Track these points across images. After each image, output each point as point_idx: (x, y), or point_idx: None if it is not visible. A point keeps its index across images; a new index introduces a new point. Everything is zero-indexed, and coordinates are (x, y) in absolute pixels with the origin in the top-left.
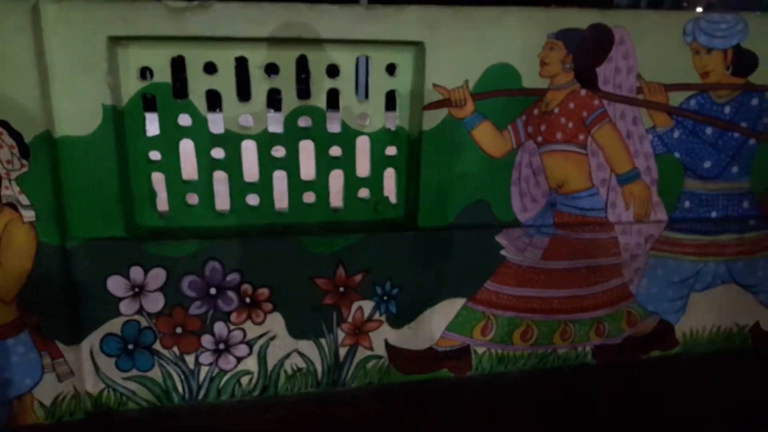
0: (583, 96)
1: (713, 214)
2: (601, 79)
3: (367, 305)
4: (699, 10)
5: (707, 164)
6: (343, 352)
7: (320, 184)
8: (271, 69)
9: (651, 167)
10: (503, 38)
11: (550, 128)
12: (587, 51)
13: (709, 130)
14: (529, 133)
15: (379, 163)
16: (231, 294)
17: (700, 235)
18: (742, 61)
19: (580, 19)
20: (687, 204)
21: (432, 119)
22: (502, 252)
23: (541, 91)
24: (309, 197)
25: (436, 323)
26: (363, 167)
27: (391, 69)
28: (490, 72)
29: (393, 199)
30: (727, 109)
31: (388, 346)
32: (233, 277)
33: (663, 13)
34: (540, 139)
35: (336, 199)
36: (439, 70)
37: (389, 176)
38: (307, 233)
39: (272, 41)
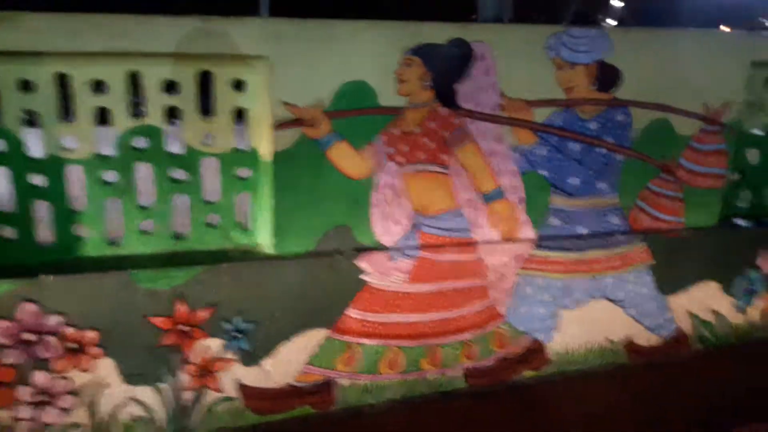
0: (444, 114)
1: (582, 231)
2: (461, 97)
3: (215, 343)
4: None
5: (574, 181)
6: (188, 396)
7: (160, 211)
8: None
9: (517, 185)
10: (357, 54)
11: (411, 148)
12: (446, 67)
13: (575, 147)
14: (389, 154)
15: (230, 186)
16: (51, 339)
17: (569, 251)
18: (606, 75)
19: (438, 33)
20: (554, 221)
21: (285, 139)
22: (364, 277)
23: (400, 110)
24: (148, 225)
25: (295, 357)
26: (214, 191)
27: (239, 85)
28: (344, 89)
29: (248, 226)
30: (592, 125)
31: (241, 387)
32: (54, 320)
33: (524, 27)
34: (401, 159)
35: (183, 226)
36: (288, 87)
37: (244, 201)
38: (144, 266)
39: (97, 56)
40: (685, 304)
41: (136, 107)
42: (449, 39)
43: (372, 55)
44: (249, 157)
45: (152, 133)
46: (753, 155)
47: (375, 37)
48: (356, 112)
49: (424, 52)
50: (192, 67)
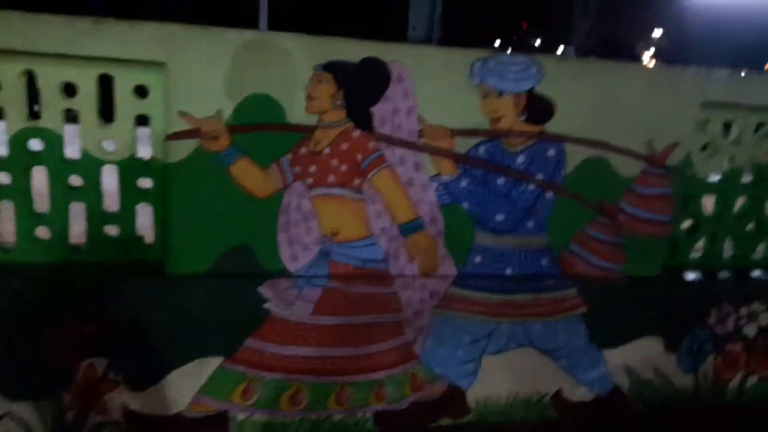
0: (357, 137)
1: (508, 271)
2: (377, 119)
3: (100, 363)
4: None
5: (500, 217)
6: (70, 416)
7: (56, 218)
8: None
9: (436, 217)
10: (263, 66)
11: (321, 170)
12: (360, 87)
13: (500, 181)
14: (296, 174)
15: (129, 196)
16: None
17: (493, 293)
18: (537, 107)
19: (353, 51)
20: (478, 259)
21: (180, 151)
22: (267, 305)
23: (309, 128)
24: (43, 232)
25: (186, 386)
26: (114, 201)
27: (142, 92)
28: (247, 103)
29: (149, 239)
30: (520, 159)
31: (127, 412)
32: None
33: (446, 50)
34: (310, 180)
35: (81, 235)
36: (186, 95)
37: (147, 213)
38: (35, 275)
39: None
40: (623, 360)
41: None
42: (364, 57)
43: (279, 69)
44: (149, 167)
45: (47, 135)
46: (709, 202)
47: (283, 50)
48: (260, 127)
49: (336, 69)
50: (91, 69)
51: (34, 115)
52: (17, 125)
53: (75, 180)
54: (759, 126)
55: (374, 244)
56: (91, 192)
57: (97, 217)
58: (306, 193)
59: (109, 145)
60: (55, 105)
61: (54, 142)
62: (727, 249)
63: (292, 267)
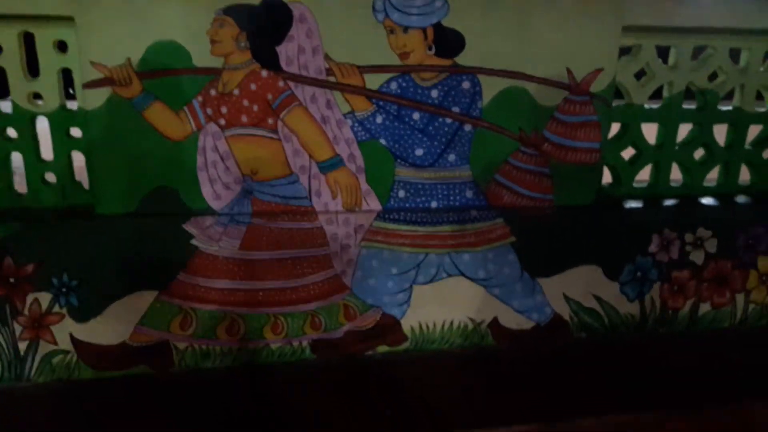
0: (266, 77)
1: (433, 204)
2: (284, 60)
3: (44, 297)
4: None
5: (419, 152)
6: (23, 346)
7: None
8: None
9: (355, 154)
10: (164, 13)
11: (233, 111)
12: (262, 28)
13: (416, 115)
14: (209, 115)
15: (62, 145)
16: None
17: (417, 225)
18: (446, 40)
19: None
20: (402, 193)
21: (96, 99)
22: (194, 241)
23: (216, 71)
24: None
25: (126, 317)
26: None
27: (63, 46)
28: (154, 49)
29: (86, 185)
30: (434, 93)
31: (75, 341)
32: None
33: None
34: (223, 122)
35: (22, 185)
36: (96, 47)
37: (81, 160)
38: None
39: None
40: (561, 289)
41: None
42: None
43: (181, 15)
44: (77, 117)
45: None
46: (651, 130)
47: None
48: (168, 72)
49: (235, 12)
50: (13, 28)
51: None
52: None
53: (11, 132)
54: (698, 50)
55: (296, 181)
56: (27, 142)
57: (34, 165)
58: (221, 133)
59: (36, 99)
60: None
61: None
62: (678, 177)
63: (215, 205)
